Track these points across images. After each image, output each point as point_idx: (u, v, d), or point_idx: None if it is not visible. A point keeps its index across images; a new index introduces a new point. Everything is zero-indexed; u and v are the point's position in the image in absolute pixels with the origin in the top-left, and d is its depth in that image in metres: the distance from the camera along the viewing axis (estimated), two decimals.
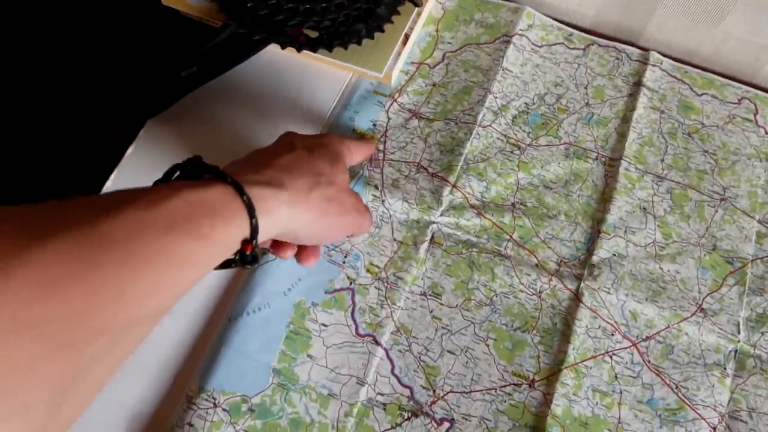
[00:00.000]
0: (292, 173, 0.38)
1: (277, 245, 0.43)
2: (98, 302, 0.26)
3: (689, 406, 0.44)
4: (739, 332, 0.46)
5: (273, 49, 0.55)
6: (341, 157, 0.44)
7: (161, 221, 0.29)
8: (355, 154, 0.48)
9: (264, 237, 0.35)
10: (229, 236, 0.33)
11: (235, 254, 0.34)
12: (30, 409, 0.25)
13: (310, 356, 0.46)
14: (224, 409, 0.44)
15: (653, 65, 0.56)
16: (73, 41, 0.66)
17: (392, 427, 0.44)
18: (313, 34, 0.52)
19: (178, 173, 0.36)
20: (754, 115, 0.55)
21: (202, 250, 0.31)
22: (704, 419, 0.43)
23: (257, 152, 0.41)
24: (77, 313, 0.26)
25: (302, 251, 0.44)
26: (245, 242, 0.34)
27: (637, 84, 0.56)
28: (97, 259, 0.27)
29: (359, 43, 0.53)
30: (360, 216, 0.45)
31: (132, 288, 0.28)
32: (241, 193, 0.33)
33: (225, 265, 0.34)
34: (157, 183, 0.36)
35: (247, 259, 0.34)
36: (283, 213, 0.36)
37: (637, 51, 0.57)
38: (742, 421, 0.43)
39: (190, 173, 0.35)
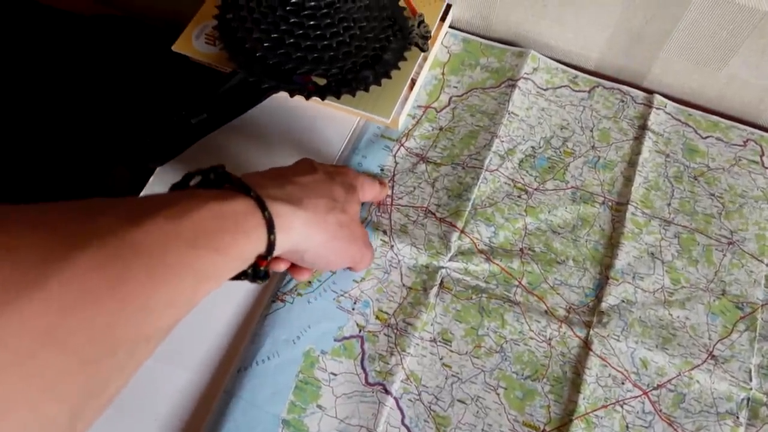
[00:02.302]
0: (310, 193, 0.39)
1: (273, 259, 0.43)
2: (124, 315, 0.27)
3: None
4: (751, 380, 0.46)
5: (281, 94, 0.56)
6: (356, 189, 0.45)
7: (187, 234, 0.30)
8: (367, 190, 0.49)
9: (277, 252, 0.36)
10: (247, 250, 0.34)
11: (248, 268, 0.35)
12: (53, 423, 0.25)
13: (319, 406, 0.46)
14: None
15: (657, 108, 0.57)
16: (85, 88, 0.67)
17: None
18: (322, 82, 0.53)
19: (198, 179, 0.37)
20: (761, 156, 0.55)
21: (221, 264, 0.32)
22: None
23: (278, 168, 0.42)
24: (104, 327, 0.26)
25: (296, 266, 0.45)
26: (260, 257, 0.35)
27: (642, 127, 0.56)
28: (127, 271, 0.27)
29: (367, 89, 0.53)
30: (365, 248, 0.46)
31: (154, 300, 0.28)
32: (262, 208, 0.34)
33: (236, 277, 0.35)
34: (174, 187, 0.36)
35: (259, 274, 0.35)
36: (297, 231, 0.37)
37: (642, 94, 0.58)
38: None
39: (213, 182, 0.36)
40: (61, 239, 0.26)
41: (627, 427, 0.44)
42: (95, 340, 0.25)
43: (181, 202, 0.31)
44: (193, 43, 0.58)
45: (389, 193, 0.54)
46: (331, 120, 0.57)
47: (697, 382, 0.46)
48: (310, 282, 0.50)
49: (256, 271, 0.35)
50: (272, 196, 0.35)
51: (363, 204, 0.53)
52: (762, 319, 0.48)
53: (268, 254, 0.35)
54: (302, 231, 0.37)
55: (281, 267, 0.43)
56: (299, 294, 0.50)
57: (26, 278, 0.24)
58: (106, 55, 0.69)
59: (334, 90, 0.52)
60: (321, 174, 0.43)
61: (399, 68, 0.55)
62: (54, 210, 0.27)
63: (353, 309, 0.49)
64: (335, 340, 0.48)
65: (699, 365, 0.46)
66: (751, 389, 0.45)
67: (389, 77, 0.54)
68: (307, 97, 0.52)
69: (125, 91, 0.61)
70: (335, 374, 0.47)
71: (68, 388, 0.25)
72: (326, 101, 0.54)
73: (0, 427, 0.23)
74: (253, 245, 0.34)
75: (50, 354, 0.24)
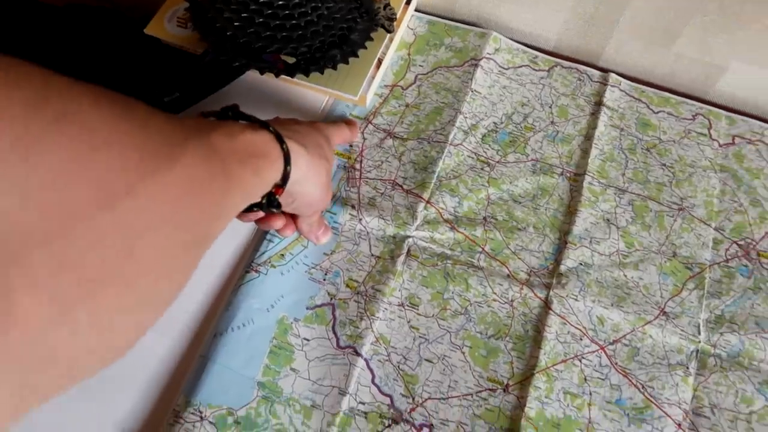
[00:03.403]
0: (306, 140, 0.42)
1: (268, 215, 0.45)
2: (210, 210, 0.29)
3: (655, 404, 0.46)
4: (699, 333, 0.48)
5: (252, 74, 0.58)
6: (330, 140, 0.48)
7: (238, 152, 0.33)
8: (336, 138, 0.51)
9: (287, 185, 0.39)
10: (271, 177, 0.37)
11: (263, 198, 0.38)
12: (161, 297, 0.27)
13: (293, 369, 0.47)
14: (210, 422, 0.45)
15: (612, 86, 0.60)
16: (57, 68, 0.68)
17: None
18: (291, 60, 0.55)
19: (212, 119, 0.39)
20: (708, 129, 0.58)
21: (257, 185, 0.35)
22: (670, 417, 0.46)
23: (275, 118, 0.44)
24: (201, 215, 0.28)
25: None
26: (276, 186, 0.38)
27: (598, 104, 0.59)
28: (214, 169, 0.29)
29: (335, 68, 0.55)
30: (330, 197, 0.48)
31: (224, 203, 0.31)
32: (281, 141, 0.37)
33: (249, 208, 0.38)
34: None
35: (273, 202, 0.38)
36: (302, 169, 0.40)
37: (597, 73, 0.61)
38: (705, 417, 0.46)
39: (230, 119, 0.38)
40: (176, 130, 0.28)
41: (585, 379, 0.47)
42: (194, 226, 0.28)
43: (228, 126, 0.34)
44: (165, 26, 0.59)
45: (356, 167, 0.56)
46: (302, 99, 0.59)
47: (650, 336, 0.49)
48: (282, 255, 0.52)
49: (270, 200, 0.38)
50: (285, 135, 0.38)
51: (333, 180, 0.55)
52: (709, 278, 0.51)
53: (283, 183, 0.38)
54: (304, 171, 0.40)
55: (279, 223, 0.46)
56: (273, 266, 0.52)
57: (160, 156, 0.25)
58: (79, 44, 0.69)
59: (303, 68, 0.54)
60: (306, 125, 0.45)
61: (366, 48, 0.57)
62: (153, 109, 0.28)
63: (324, 279, 0.51)
64: (307, 309, 0.50)
65: (651, 321, 0.49)
66: (699, 342, 0.48)
67: (356, 56, 0.56)
68: (277, 75, 0.54)
69: (99, 77, 0.62)
70: (308, 339, 0.49)
71: (176, 266, 0.27)
72: (296, 79, 0.55)
73: (133, 289, 0.25)
74: (275, 173, 0.37)
75: (170, 229, 0.26)
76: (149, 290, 0.26)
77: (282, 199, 0.41)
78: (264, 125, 0.38)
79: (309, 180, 0.42)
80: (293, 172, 0.38)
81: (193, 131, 0.29)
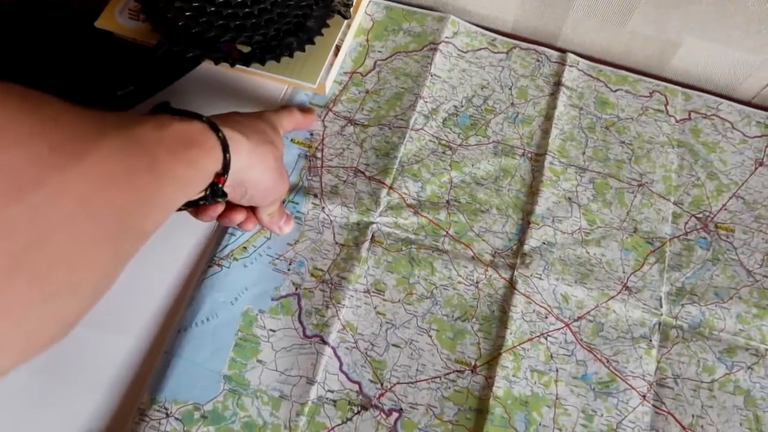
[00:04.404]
0: (247, 129, 0.41)
1: (227, 211, 0.45)
2: (134, 203, 0.29)
3: (620, 377, 0.47)
4: (661, 306, 0.49)
5: (208, 65, 0.57)
6: (277, 127, 0.48)
7: (168, 143, 0.32)
8: (286, 123, 0.51)
9: (229, 177, 0.38)
10: (209, 167, 0.36)
11: (206, 190, 0.38)
12: (81, 289, 0.27)
13: (259, 361, 0.47)
14: (177, 418, 0.44)
15: (570, 66, 0.60)
16: (9, 74, 0.66)
17: (343, 422, 0.45)
18: (246, 49, 0.54)
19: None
20: (665, 105, 0.59)
21: (192, 176, 0.35)
22: (634, 389, 0.46)
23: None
24: (122, 209, 0.28)
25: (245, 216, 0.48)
26: (218, 175, 0.37)
27: (557, 84, 0.59)
28: (136, 164, 0.29)
29: (291, 55, 0.55)
30: (287, 184, 0.47)
31: (155, 197, 0.30)
32: (216, 130, 0.37)
33: (194, 203, 0.38)
34: None
35: (218, 192, 0.38)
36: (244, 156, 0.39)
37: (556, 53, 0.61)
38: (668, 387, 0.47)
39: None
40: (90, 124, 0.28)
41: (551, 356, 0.47)
42: (116, 219, 0.27)
43: (156, 119, 0.33)
44: (117, 19, 0.58)
45: (317, 155, 0.55)
46: (260, 90, 0.58)
47: (614, 311, 0.49)
48: (245, 248, 0.52)
49: (214, 190, 0.38)
50: (220, 124, 0.38)
51: (294, 170, 0.55)
52: (670, 251, 0.52)
53: (224, 172, 0.37)
54: (247, 158, 0.40)
55: (239, 217, 0.46)
56: (235, 259, 0.51)
57: (70, 150, 0.25)
58: (31, 40, 0.67)
59: (258, 57, 0.53)
60: (247, 114, 0.45)
61: (322, 34, 0.56)
62: (75, 107, 0.28)
63: (289, 269, 0.51)
64: (272, 300, 0.50)
65: (615, 296, 0.49)
66: (661, 315, 0.49)
67: (313, 43, 0.55)
68: (232, 65, 0.53)
69: (51, 72, 0.61)
70: (274, 330, 0.48)
71: (97, 258, 0.27)
72: (254, 69, 0.55)
73: (46, 280, 0.25)
74: (212, 162, 0.36)
75: (86, 221, 0.26)
76: (66, 282, 0.25)
77: (233, 191, 0.41)
78: (196, 116, 0.37)
79: (255, 167, 0.41)
80: (235, 160, 0.38)
81: (113, 126, 0.29)
